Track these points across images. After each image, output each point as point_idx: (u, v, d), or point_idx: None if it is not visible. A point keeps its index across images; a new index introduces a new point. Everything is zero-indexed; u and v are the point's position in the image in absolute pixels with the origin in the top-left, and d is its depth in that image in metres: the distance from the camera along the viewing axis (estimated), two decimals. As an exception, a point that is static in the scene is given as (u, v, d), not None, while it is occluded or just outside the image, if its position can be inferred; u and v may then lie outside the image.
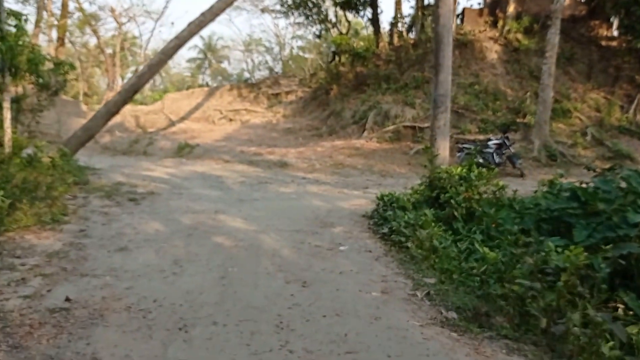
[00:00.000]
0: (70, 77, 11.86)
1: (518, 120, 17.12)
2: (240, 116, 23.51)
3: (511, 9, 20.32)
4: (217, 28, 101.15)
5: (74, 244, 5.58)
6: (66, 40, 29.40)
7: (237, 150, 16.91)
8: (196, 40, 50.89)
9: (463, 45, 19.47)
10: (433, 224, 6.24)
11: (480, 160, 13.50)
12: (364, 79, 21.27)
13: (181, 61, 62.02)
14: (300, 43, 49.05)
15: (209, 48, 54.07)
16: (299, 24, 40.01)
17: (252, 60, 52.33)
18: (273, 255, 5.42)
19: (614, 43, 20.28)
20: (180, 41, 12.38)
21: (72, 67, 11.28)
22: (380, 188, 11.45)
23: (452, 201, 7.16)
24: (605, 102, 18.06)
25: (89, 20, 28.31)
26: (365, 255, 5.63)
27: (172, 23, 77.26)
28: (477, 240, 6.06)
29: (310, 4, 25.42)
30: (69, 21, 27.23)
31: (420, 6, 22.47)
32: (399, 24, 22.94)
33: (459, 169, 7.68)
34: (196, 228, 6.40)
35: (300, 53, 49.15)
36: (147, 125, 22.76)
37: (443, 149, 9.13)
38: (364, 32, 32.44)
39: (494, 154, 13.81)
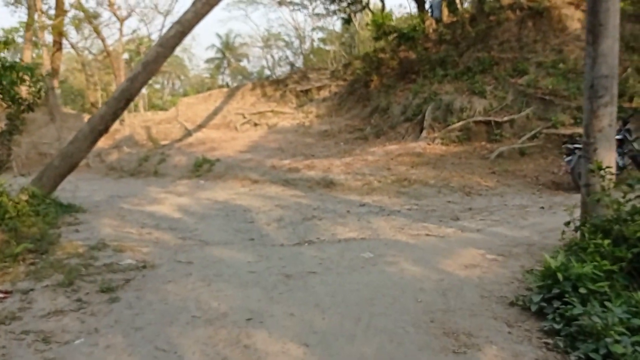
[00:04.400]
0: (39, 84, 8.71)
1: (623, 104, 13.31)
2: (266, 119, 20.18)
3: (592, -35, 16.36)
4: (234, 25, 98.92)
5: None
6: (67, 45, 26.48)
7: (266, 165, 13.57)
8: (213, 39, 48.81)
9: (537, 14, 15.71)
10: None
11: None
12: (410, 66, 17.68)
13: (199, 62, 59.55)
14: (320, 35, 46.36)
15: (227, 47, 51.68)
16: (318, 14, 36.76)
17: (272, 57, 49.74)
18: None
19: None
20: (183, 27, 9.07)
21: (29, 69, 8.09)
22: (475, 217, 7.96)
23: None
24: None
25: (89, 18, 25.11)
26: None
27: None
28: None
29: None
30: (66, 20, 24.15)
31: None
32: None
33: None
34: (209, 393, 3.04)
35: (322, 45, 46.62)
36: (159, 137, 19.66)
37: (608, 162, 5.65)
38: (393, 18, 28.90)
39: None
